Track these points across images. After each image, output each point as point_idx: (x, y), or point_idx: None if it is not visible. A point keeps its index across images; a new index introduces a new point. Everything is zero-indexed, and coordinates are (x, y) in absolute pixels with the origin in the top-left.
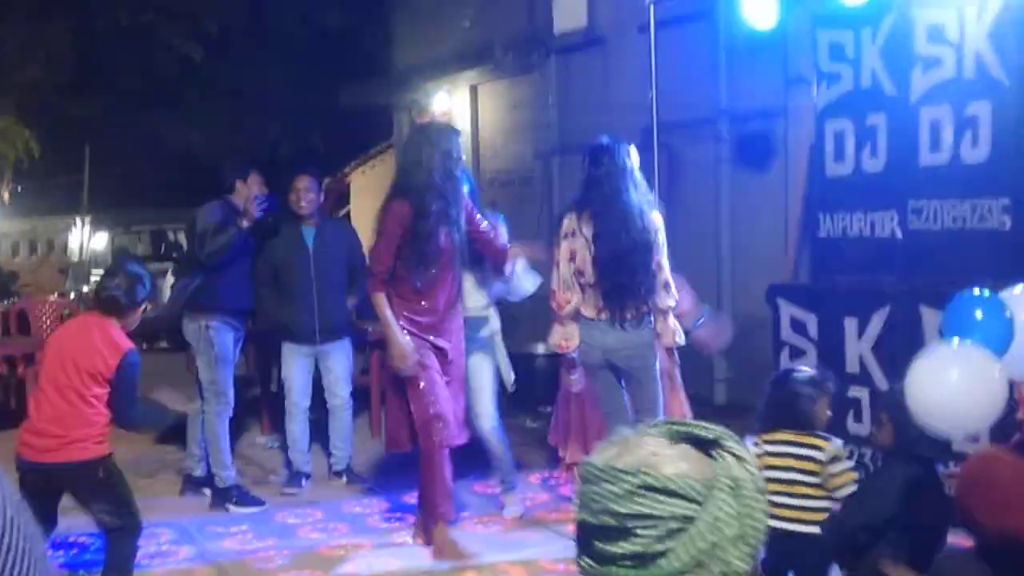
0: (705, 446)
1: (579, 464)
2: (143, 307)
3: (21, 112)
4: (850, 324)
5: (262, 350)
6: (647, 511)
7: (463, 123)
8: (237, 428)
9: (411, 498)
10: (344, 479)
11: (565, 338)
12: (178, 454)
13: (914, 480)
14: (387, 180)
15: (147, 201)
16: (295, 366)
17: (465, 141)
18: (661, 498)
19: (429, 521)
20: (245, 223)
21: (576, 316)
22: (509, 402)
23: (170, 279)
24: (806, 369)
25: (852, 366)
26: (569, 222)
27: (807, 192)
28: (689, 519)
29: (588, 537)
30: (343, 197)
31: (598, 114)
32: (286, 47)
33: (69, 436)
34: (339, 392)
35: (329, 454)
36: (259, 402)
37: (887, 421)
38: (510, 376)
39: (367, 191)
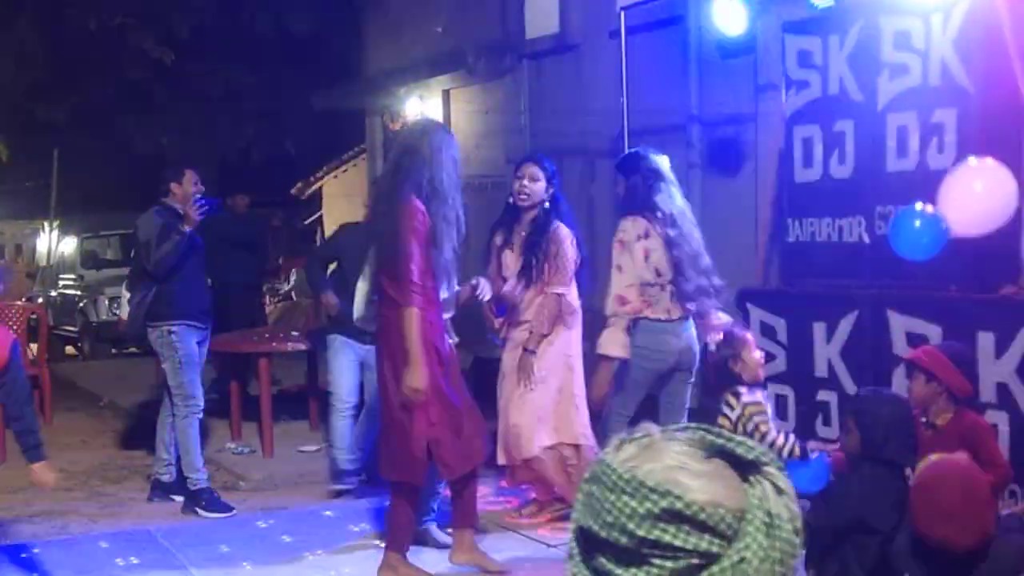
0: (742, 467)
1: (593, 461)
2: None
3: None
4: (819, 328)
5: (235, 356)
6: (668, 540)
7: None
8: (206, 433)
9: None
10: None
11: (624, 346)
12: (147, 459)
13: (881, 484)
14: (359, 185)
15: (117, 205)
16: (345, 362)
17: None
18: (687, 529)
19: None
20: (187, 228)
21: (634, 321)
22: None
23: (126, 294)
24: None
25: (821, 370)
26: (635, 224)
27: (776, 197)
28: (713, 557)
29: (591, 548)
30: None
31: (570, 119)
32: (258, 51)
33: None
34: None
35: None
36: (228, 407)
37: (854, 427)
38: None
39: (339, 196)
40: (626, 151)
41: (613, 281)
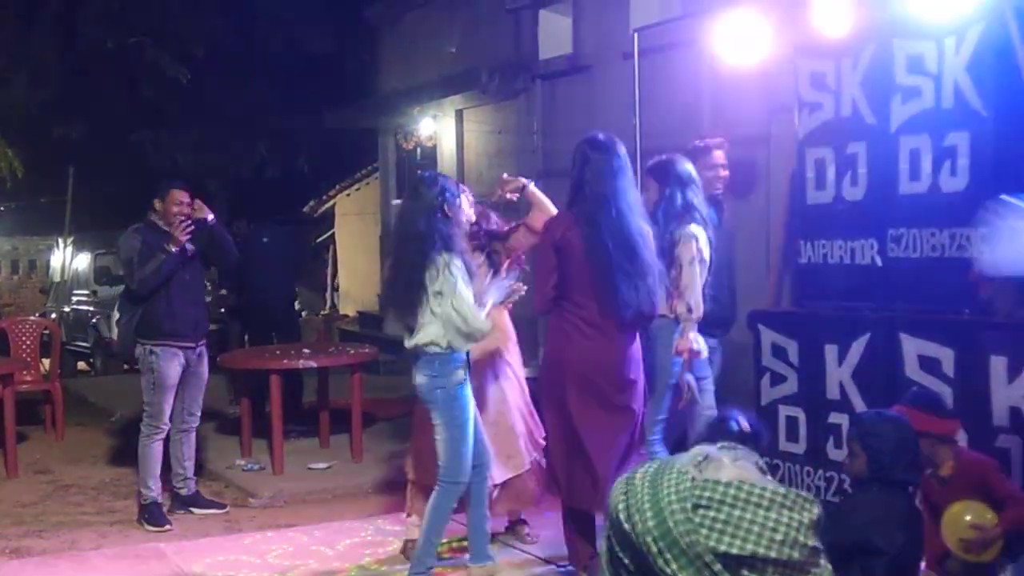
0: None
1: (690, 485)
2: None
3: (4, 131)
4: (830, 351)
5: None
6: (818, 546)
7: (448, 147)
8: (218, 450)
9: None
10: None
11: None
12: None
13: (889, 505)
14: (372, 204)
15: (130, 222)
16: None
17: (450, 165)
18: (817, 532)
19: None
20: (173, 248)
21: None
22: None
23: (116, 315)
24: None
25: (832, 392)
26: (698, 230)
27: (788, 219)
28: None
29: (750, 571)
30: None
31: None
32: (273, 70)
33: None
34: None
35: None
36: (239, 424)
37: (860, 450)
38: None
39: (351, 215)
40: (638, 171)
41: (695, 283)
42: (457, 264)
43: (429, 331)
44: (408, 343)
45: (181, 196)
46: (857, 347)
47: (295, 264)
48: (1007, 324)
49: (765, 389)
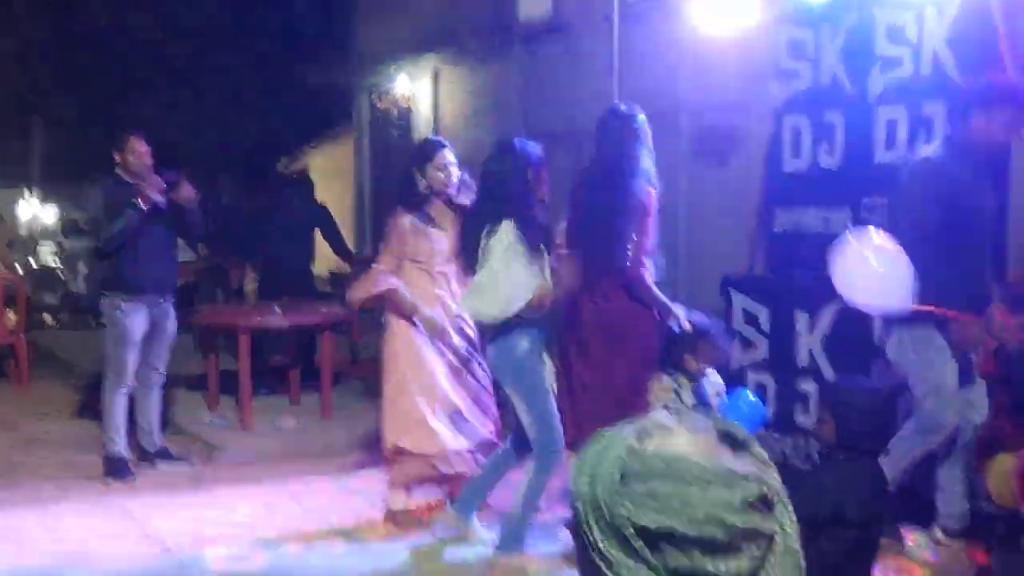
0: (736, 447)
1: (624, 455)
2: None
3: None
4: (801, 318)
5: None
6: (760, 527)
7: (425, 108)
8: (186, 406)
9: None
10: None
11: None
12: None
13: (856, 474)
14: (346, 163)
15: (99, 175)
16: None
17: (426, 125)
18: (766, 512)
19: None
20: (143, 205)
21: None
22: None
23: (83, 269)
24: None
25: (802, 360)
26: None
27: (764, 186)
28: (772, 535)
29: (662, 547)
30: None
31: (560, 102)
32: (247, 27)
33: None
34: None
35: None
36: (207, 380)
37: (828, 417)
38: None
39: (326, 173)
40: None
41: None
42: (512, 231)
43: (480, 301)
44: (475, 314)
45: (139, 144)
46: (828, 315)
47: (315, 223)
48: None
49: (735, 354)
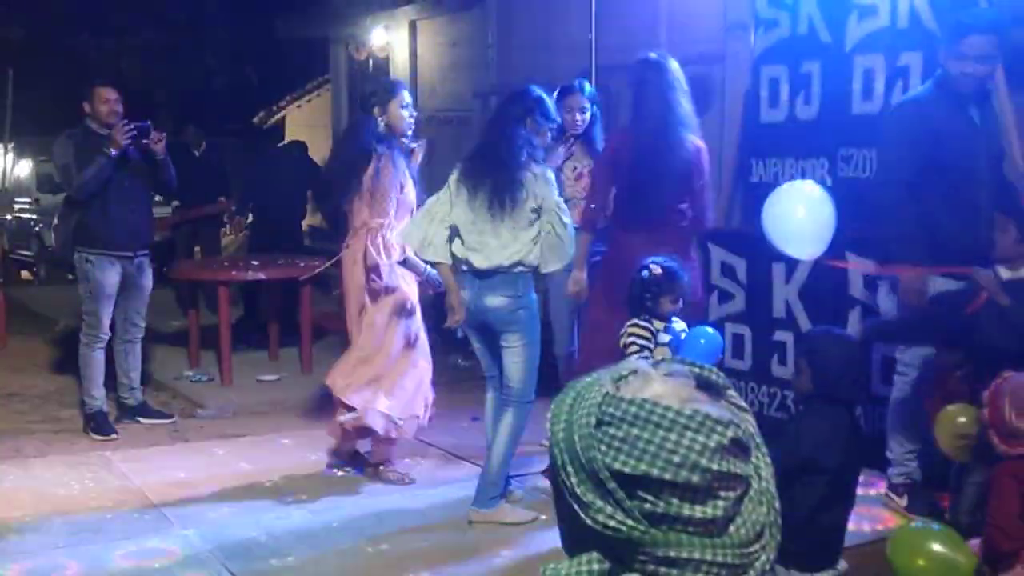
0: (713, 392)
1: (600, 401)
2: None
3: None
4: (777, 269)
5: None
6: (736, 470)
7: (402, 59)
8: (166, 361)
9: None
10: None
11: None
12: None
13: (832, 423)
14: (323, 116)
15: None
16: None
17: (403, 77)
18: (744, 457)
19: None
20: (113, 151)
21: None
22: (441, 340)
23: (54, 221)
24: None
25: (778, 311)
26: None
27: (741, 137)
28: (747, 480)
29: (638, 492)
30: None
31: (538, 54)
32: None
33: None
34: None
35: None
36: (187, 335)
37: (805, 367)
38: None
39: (303, 126)
40: (595, 88)
41: None
42: (550, 176)
43: (514, 249)
44: (483, 263)
45: (107, 93)
46: (804, 266)
47: (308, 179)
48: None
49: (713, 307)
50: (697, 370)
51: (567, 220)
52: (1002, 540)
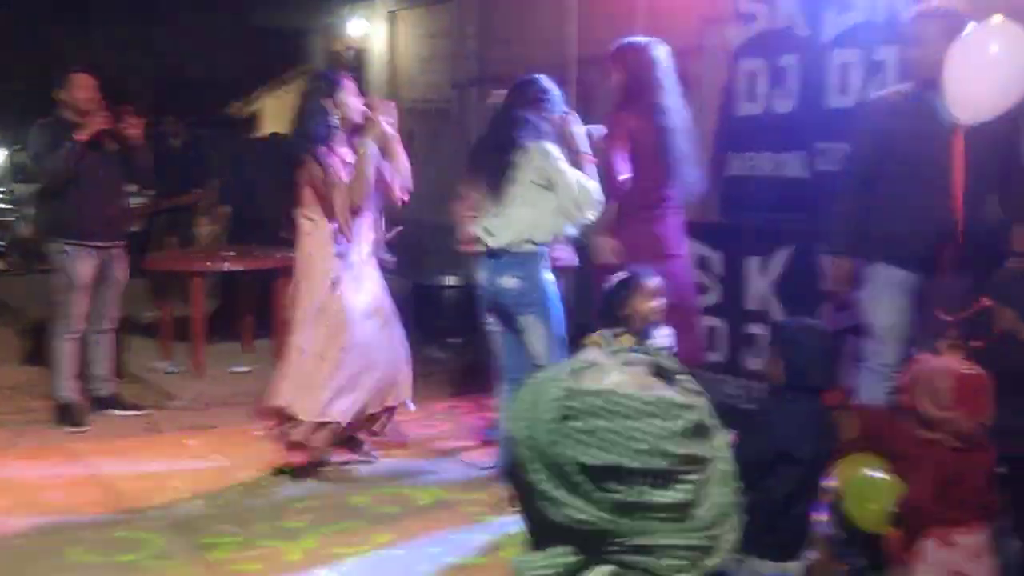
0: (666, 378)
1: (561, 396)
2: None
3: None
4: (752, 262)
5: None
6: (699, 453)
7: (379, 50)
8: (139, 353)
9: None
10: None
11: None
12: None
13: (803, 413)
14: None
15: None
16: None
17: (381, 69)
18: (704, 439)
19: None
20: (80, 138)
21: None
22: (416, 332)
23: (30, 211)
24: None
25: (752, 303)
26: None
27: (718, 131)
28: (710, 461)
29: (608, 482)
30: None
31: (517, 46)
32: None
33: None
34: None
35: None
36: (160, 327)
37: (777, 357)
38: None
39: (278, 117)
40: (575, 79)
41: None
42: (551, 147)
43: (519, 228)
44: (492, 243)
45: (84, 80)
46: (779, 259)
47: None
48: None
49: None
50: (651, 356)
51: (580, 176)
52: (914, 519)
